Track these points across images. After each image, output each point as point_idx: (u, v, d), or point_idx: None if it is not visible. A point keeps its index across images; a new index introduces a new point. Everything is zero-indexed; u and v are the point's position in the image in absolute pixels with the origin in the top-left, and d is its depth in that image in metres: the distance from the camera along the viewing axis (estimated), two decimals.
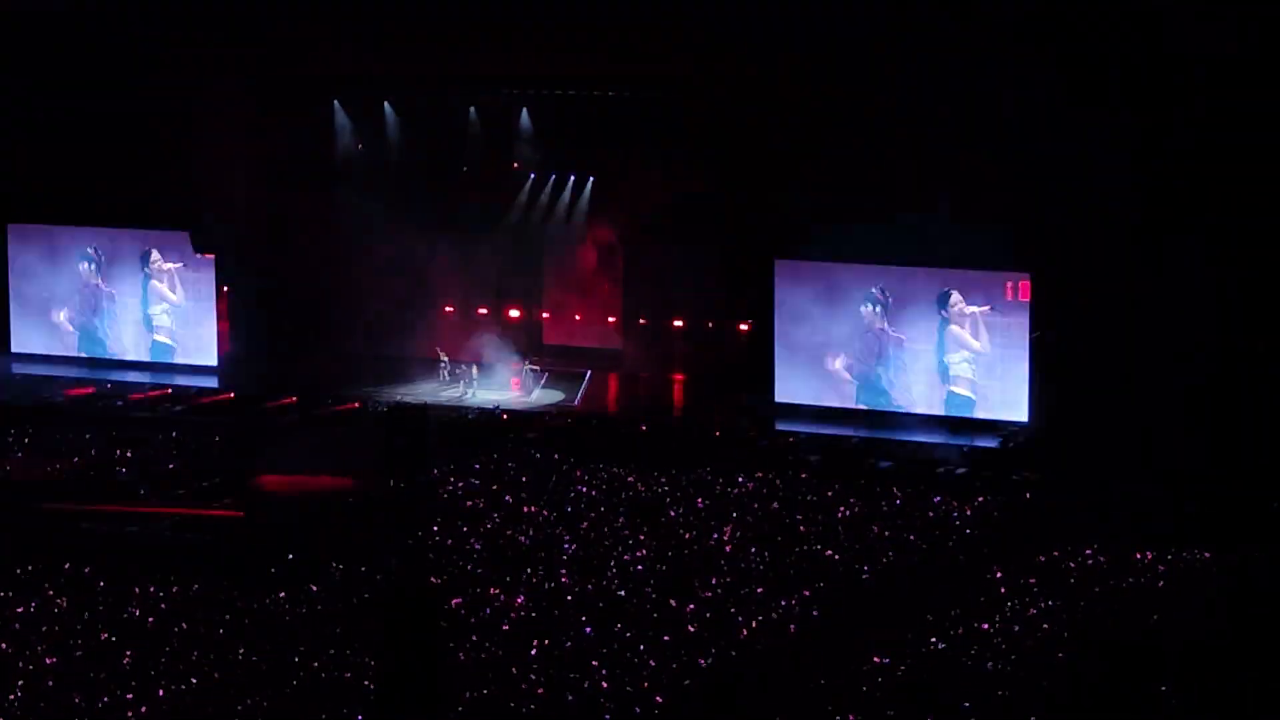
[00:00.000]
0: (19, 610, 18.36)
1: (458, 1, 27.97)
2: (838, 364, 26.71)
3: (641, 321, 29.89)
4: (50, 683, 16.41)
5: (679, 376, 29.29)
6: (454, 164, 30.28)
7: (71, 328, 31.01)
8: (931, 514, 22.18)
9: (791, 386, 27.01)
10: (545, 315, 30.80)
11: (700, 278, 28.96)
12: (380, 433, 23.74)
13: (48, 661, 16.91)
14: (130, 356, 30.66)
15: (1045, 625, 17.96)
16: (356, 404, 27.83)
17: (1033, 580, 19.39)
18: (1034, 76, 24.67)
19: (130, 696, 16.04)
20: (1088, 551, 20.35)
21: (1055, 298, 25.15)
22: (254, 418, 27.53)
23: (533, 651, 17.16)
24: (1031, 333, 25.24)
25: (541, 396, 28.53)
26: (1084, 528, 21.16)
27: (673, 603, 18.67)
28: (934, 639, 17.56)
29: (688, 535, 21.20)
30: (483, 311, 30.70)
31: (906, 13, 25.56)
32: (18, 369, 30.46)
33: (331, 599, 18.85)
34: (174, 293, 30.22)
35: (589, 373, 29.41)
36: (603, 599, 18.83)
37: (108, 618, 18.17)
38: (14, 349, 31.14)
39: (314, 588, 19.14)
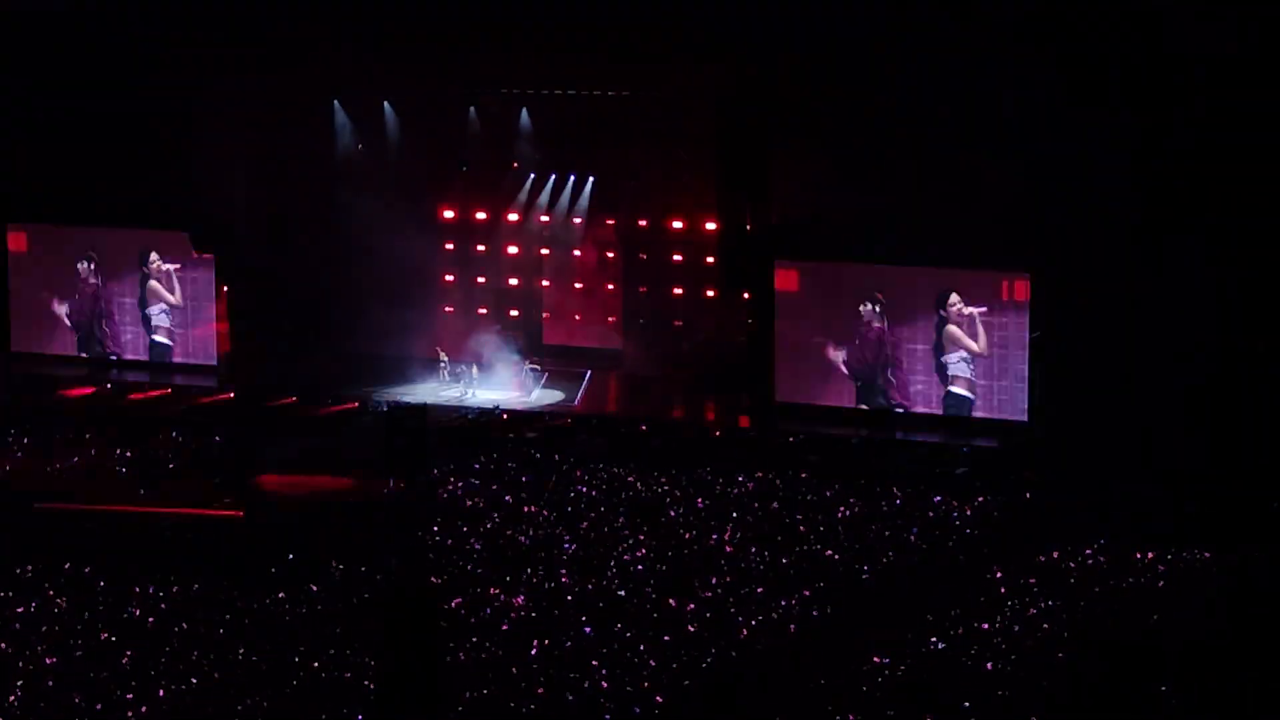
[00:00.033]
0: (19, 610, 18.37)
1: (457, 2, 27.95)
2: (838, 364, 26.71)
3: (641, 321, 29.87)
4: (50, 683, 16.42)
5: (679, 376, 29.25)
6: (454, 164, 30.28)
7: (71, 327, 30.98)
8: (931, 514, 22.19)
9: (791, 386, 27.01)
10: (545, 315, 30.77)
11: (700, 278, 28.98)
12: (380, 433, 23.76)
13: (48, 661, 16.92)
14: (129, 356, 30.64)
15: (1045, 625, 17.97)
16: (356, 404, 27.83)
17: (1033, 580, 19.39)
18: (1034, 76, 24.62)
19: (130, 696, 16.06)
20: (1088, 551, 20.36)
21: (1054, 298, 25.13)
22: (254, 418, 27.52)
23: (533, 651, 17.17)
24: (1031, 333, 25.23)
25: (541, 396, 28.51)
26: (1084, 528, 21.16)
27: (673, 603, 18.68)
28: (934, 639, 17.57)
29: (688, 535, 21.21)
30: (482, 311, 30.69)
31: (906, 13, 25.51)
32: (17, 369, 30.43)
33: (331, 599, 18.86)
34: (172, 293, 30.19)
35: (589, 373, 29.38)
36: (603, 599, 18.83)
37: (108, 618, 18.18)
38: (13, 349, 31.10)
39: (314, 588, 19.15)
